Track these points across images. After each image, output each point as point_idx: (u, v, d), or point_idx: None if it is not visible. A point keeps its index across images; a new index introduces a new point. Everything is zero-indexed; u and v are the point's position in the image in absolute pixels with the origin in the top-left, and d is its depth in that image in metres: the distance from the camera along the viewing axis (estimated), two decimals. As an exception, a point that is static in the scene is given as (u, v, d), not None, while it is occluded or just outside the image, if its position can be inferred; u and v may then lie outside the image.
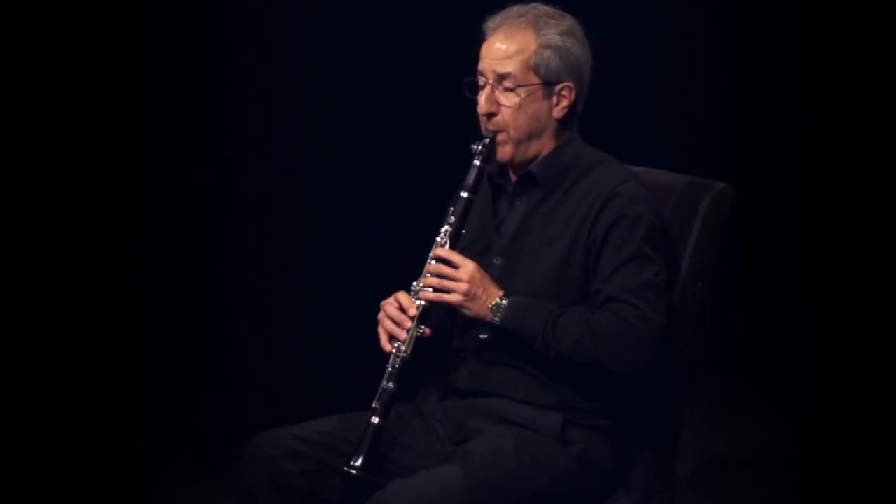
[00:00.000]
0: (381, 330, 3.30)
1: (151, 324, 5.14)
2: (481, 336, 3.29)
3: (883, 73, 5.43)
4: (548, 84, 3.30)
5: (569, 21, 3.33)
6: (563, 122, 3.33)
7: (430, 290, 3.25)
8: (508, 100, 3.30)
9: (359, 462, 3.20)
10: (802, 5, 5.53)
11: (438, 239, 3.29)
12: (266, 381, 5.25)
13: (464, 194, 3.30)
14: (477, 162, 3.31)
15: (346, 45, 5.32)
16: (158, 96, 5.11)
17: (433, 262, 3.27)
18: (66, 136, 5.00)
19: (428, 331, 3.26)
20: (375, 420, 3.22)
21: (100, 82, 5.02)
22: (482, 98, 3.32)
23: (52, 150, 4.98)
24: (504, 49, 3.29)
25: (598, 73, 3.35)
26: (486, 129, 3.33)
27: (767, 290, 5.77)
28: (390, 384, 3.24)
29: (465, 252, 3.29)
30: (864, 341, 5.50)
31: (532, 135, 3.32)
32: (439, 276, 3.24)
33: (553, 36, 3.29)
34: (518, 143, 3.32)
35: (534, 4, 3.35)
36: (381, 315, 3.30)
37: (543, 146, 3.34)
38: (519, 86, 3.29)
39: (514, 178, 3.39)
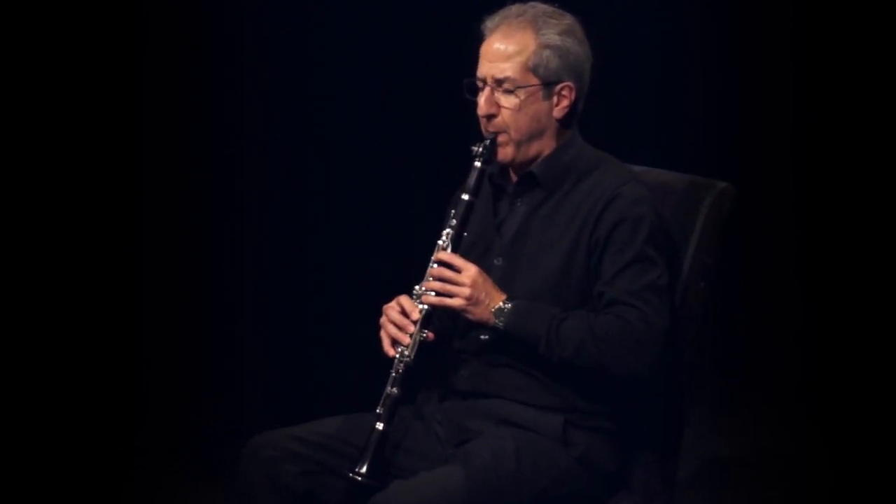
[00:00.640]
0: (383, 334, 3.29)
1: (151, 324, 5.13)
2: (482, 337, 3.28)
3: (883, 72, 5.43)
4: (547, 84, 3.29)
5: (568, 20, 3.31)
6: (564, 122, 3.32)
7: (433, 293, 3.24)
8: (508, 101, 3.29)
9: (364, 468, 3.19)
10: (802, 4, 5.52)
11: (440, 242, 3.28)
12: (265, 383, 5.25)
13: (465, 196, 3.29)
14: (477, 164, 3.29)
15: (346, 46, 5.32)
16: (158, 96, 5.10)
17: (435, 265, 3.26)
18: (66, 136, 5.00)
19: (431, 335, 3.26)
20: (380, 426, 3.22)
21: (99, 82, 5.02)
22: (482, 100, 3.31)
23: (52, 150, 4.98)
24: (503, 50, 3.28)
25: (598, 72, 3.34)
26: (487, 131, 3.32)
27: (768, 291, 5.76)
28: (394, 389, 3.23)
29: (466, 253, 3.28)
30: (865, 342, 5.50)
31: (533, 135, 3.31)
32: (441, 279, 3.23)
33: (552, 36, 3.28)
34: (519, 145, 3.31)
35: (532, 3, 3.34)
36: (383, 319, 3.29)
37: (544, 146, 3.33)
38: (518, 87, 3.28)
39: (514, 178, 3.38)
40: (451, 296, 3.22)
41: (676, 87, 5.53)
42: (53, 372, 4.96)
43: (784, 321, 5.77)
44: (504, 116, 3.30)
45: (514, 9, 3.32)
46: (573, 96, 3.30)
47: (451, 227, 3.28)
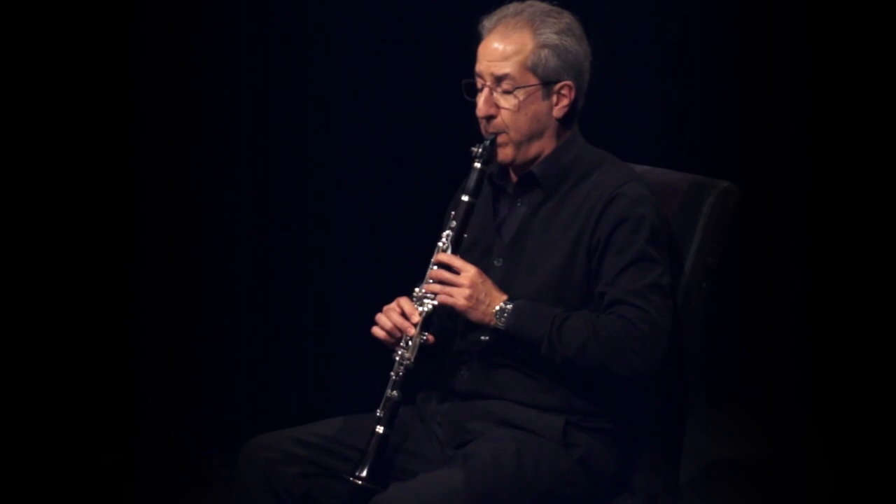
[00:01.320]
0: (377, 329, 3.27)
1: (149, 325, 5.12)
2: (482, 338, 3.27)
3: (885, 71, 5.42)
4: (547, 84, 3.27)
5: (566, 18, 3.30)
6: (564, 121, 3.31)
7: (433, 295, 3.22)
8: (507, 102, 3.27)
9: (364, 472, 3.19)
10: (803, 2, 5.52)
11: (440, 243, 3.27)
12: (263, 384, 5.24)
13: (465, 198, 3.27)
14: (477, 165, 3.28)
15: (345, 46, 5.31)
16: (158, 95, 5.09)
17: (435, 267, 3.25)
18: (65, 136, 4.98)
19: (431, 338, 3.25)
20: (380, 429, 3.21)
21: (98, 81, 5.01)
22: (480, 101, 3.29)
23: (52, 150, 4.97)
24: (501, 50, 3.27)
25: (598, 70, 3.33)
26: (486, 132, 3.30)
27: (770, 291, 5.75)
28: (394, 392, 3.22)
29: (466, 254, 3.28)
30: (866, 343, 5.49)
31: (533, 135, 3.30)
32: (441, 281, 3.22)
33: (550, 35, 3.26)
34: (519, 145, 3.30)
35: (530, 2, 3.32)
36: (380, 317, 3.27)
37: (544, 146, 3.32)
38: (517, 87, 3.26)
39: (514, 178, 3.36)
40: (451, 297, 3.20)
41: (678, 85, 5.52)
42: (51, 374, 4.95)
43: (785, 322, 5.76)
44: (503, 117, 3.29)
45: (512, 8, 3.31)
46: (573, 95, 3.29)
47: (451, 228, 3.27)
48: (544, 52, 3.25)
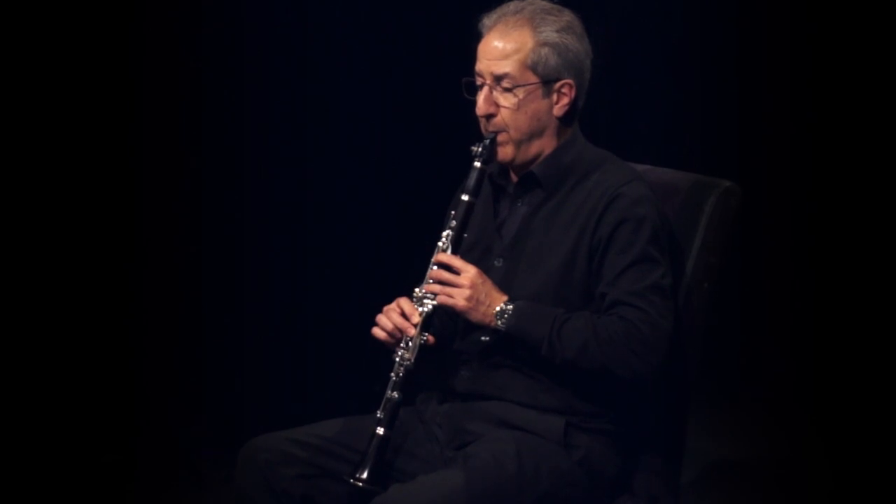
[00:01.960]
0: (377, 330, 3.26)
1: (147, 326, 5.12)
2: (483, 338, 3.26)
3: (887, 71, 5.42)
4: (547, 82, 3.26)
5: (567, 16, 3.28)
6: (564, 120, 3.30)
7: (433, 296, 3.21)
8: (507, 100, 3.26)
9: (364, 474, 3.18)
10: (806, 1, 5.52)
11: (440, 244, 3.26)
12: (262, 385, 5.24)
13: (465, 197, 3.26)
14: (477, 164, 3.27)
15: (344, 45, 5.31)
16: (158, 94, 5.10)
17: (435, 267, 3.23)
18: (65, 135, 4.99)
19: (431, 339, 3.24)
20: (380, 431, 3.20)
21: (98, 81, 5.01)
22: (480, 99, 3.28)
23: (50, 149, 4.97)
24: (501, 48, 3.25)
25: (599, 69, 3.31)
26: (486, 131, 3.29)
27: (771, 291, 5.75)
28: (395, 394, 3.21)
29: (466, 254, 3.26)
30: (868, 344, 5.49)
31: (533, 134, 3.29)
32: (441, 281, 3.21)
33: (550, 33, 3.25)
34: (519, 144, 3.29)
35: (530, 0, 3.31)
36: (380, 318, 3.26)
37: (545, 145, 3.30)
38: (517, 85, 3.25)
39: (515, 178, 3.35)
40: (451, 297, 3.19)
41: (680, 84, 5.52)
42: (49, 375, 4.95)
43: (787, 322, 5.76)
44: (503, 115, 3.27)
45: (512, 6, 3.30)
46: (573, 94, 3.27)
47: (451, 228, 3.26)
48: (544, 51, 3.24)
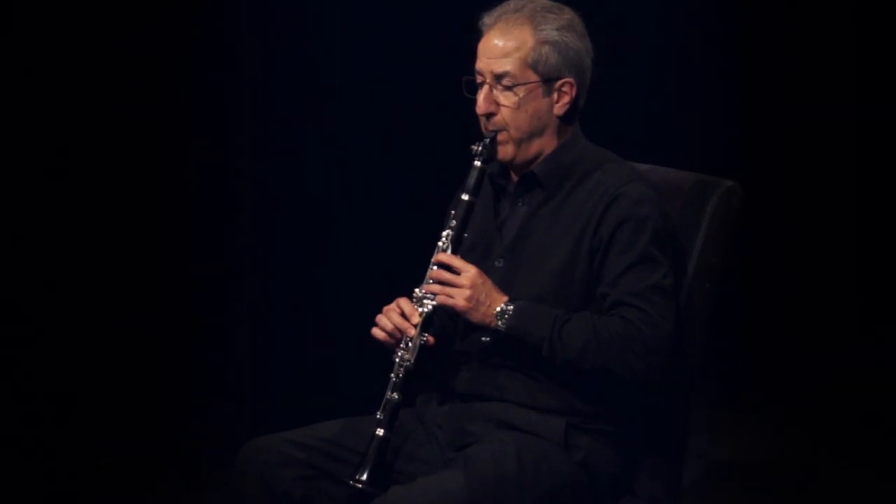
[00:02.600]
0: (376, 330, 3.25)
1: (145, 326, 5.12)
2: (483, 339, 3.24)
3: (888, 69, 5.43)
4: (547, 81, 3.25)
5: (568, 14, 3.27)
6: (565, 119, 3.28)
7: (433, 296, 3.20)
8: (507, 99, 3.25)
9: (364, 476, 3.16)
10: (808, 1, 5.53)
11: (440, 243, 3.25)
12: (261, 386, 5.24)
13: (465, 197, 3.25)
14: (477, 163, 3.26)
15: (344, 44, 5.30)
16: (156, 94, 5.10)
17: (435, 267, 3.22)
18: (65, 135, 5.00)
19: (431, 339, 3.23)
20: (380, 432, 3.19)
21: (98, 80, 5.02)
22: (480, 98, 3.27)
23: (50, 149, 4.98)
24: (501, 46, 3.24)
25: (601, 67, 3.30)
26: (486, 130, 3.28)
27: (773, 291, 5.75)
28: (394, 394, 3.20)
29: (467, 255, 3.25)
30: (870, 345, 5.50)
31: (533, 133, 3.27)
32: (441, 282, 3.20)
33: (551, 31, 3.24)
34: (519, 143, 3.27)
35: (531, -3, 3.29)
36: (380, 318, 3.25)
37: (545, 144, 3.29)
38: (517, 84, 3.24)
39: (515, 177, 3.34)
40: (451, 298, 3.17)
41: (681, 82, 5.52)
42: (48, 376, 4.95)
43: (789, 323, 5.76)
44: (503, 114, 3.26)
45: (513, 4, 3.28)
46: (574, 92, 3.26)
47: (451, 228, 3.25)
48: (545, 49, 3.23)
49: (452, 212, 3.26)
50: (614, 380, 3.13)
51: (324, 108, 5.32)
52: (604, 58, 3.31)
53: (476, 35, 3.29)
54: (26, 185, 4.95)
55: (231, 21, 5.19)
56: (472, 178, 3.25)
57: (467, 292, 3.16)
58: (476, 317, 3.17)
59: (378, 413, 3.20)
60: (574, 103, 3.27)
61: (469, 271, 3.18)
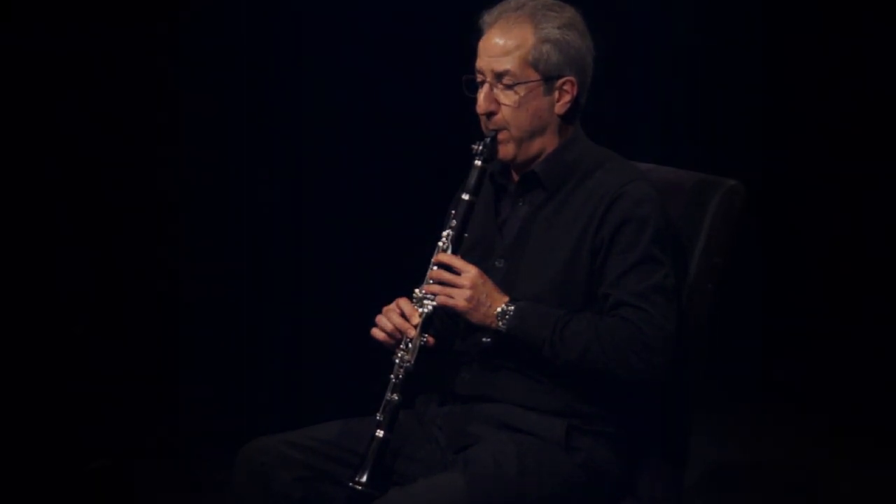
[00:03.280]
0: (376, 331, 3.24)
1: (143, 327, 5.12)
2: (484, 339, 3.23)
3: (889, 68, 5.43)
4: (548, 79, 3.23)
5: (568, 13, 3.26)
6: (566, 118, 3.27)
7: (433, 296, 3.18)
8: (508, 98, 3.24)
9: (364, 478, 3.15)
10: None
11: (440, 243, 3.24)
12: (260, 387, 5.24)
13: (465, 196, 3.24)
14: (478, 162, 3.25)
15: (344, 43, 5.30)
16: (157, 93, 5.10)
17: (435, 267, 3.21)
18: (66, 134, 4.98)
19: (431, 340, 3.21)
20: (380, 433, 3.18)
21: (98, 80, 5.01)
22: (481, 97, 3.26)
23: (49, 148, 4.96)
24: (501, 45, 3.23)
25: (602, 66, 3.28)
26: (487, 129, 3.27)
27: (776, 291, 5.75)
28: (394, 395, 3.19)
29: (467, 255, 3.24)
30: (872, 346, 5.50)
31: (534, 132, 3.26)
32: (441, 282, 3.19)
33: (552, 29, 3.22)
34: (520, 142, 3.26)
35: (531, -5, 3.28)
36: (380, 319, 3.24)
37: (546, 143, 3.28)
38: (518, 83, 3.22)
39: (516, 177, 3.33)
40: (451, 298, 3.16)
41: (683, 81, 5.52)
42: (47, 377, 4.95)
43: (791, 324, 5.76)
44: (504, 113, 3.25)
45: (513, 2, 3.27)
46: (575, 91, 3.25)
47: (451, 227, 3.24)
48: (546, 47, 3.22)
49: (453, 211, 3.25)
50: (615, 381, 3.12)
51: (323, 107, 5.32)
52: (605, 56, 3.29)
53: (476, 33, 3.28)
54: (25, 185, 4.94)
55: (230, 19, 5.18)
56: (472, 178, 3.24)
57: (468, 293, 3.15)
58: (476, 317, 3.16)
59: (378, 414, 3.18)
60: (575, 102, 3.25)
61: (469, 271, 3.17)
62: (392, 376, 3.19)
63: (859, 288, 5.65)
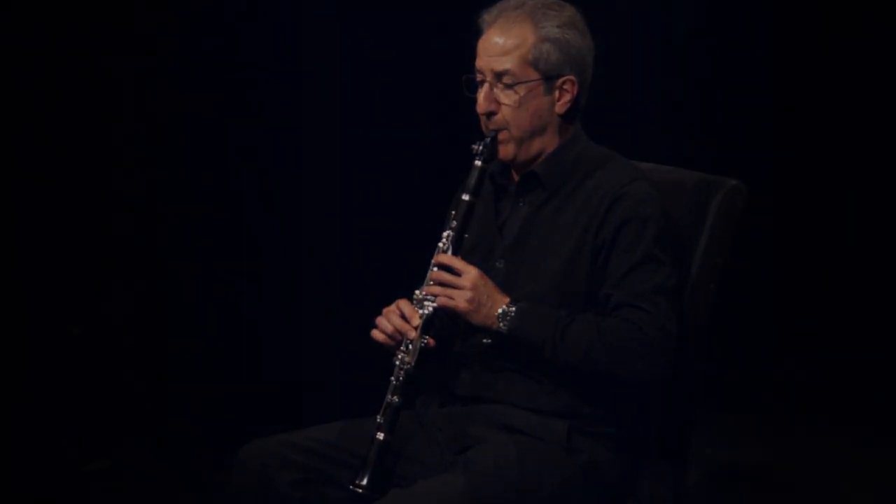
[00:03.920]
0: (376, 332, 3.23)
1: (143, 329, 5.13)
2: (484, 340, 3.22)
3: (890, 67, 5.43)
4: (548, 79, 3.22)
5: (568, 11, 3.25)
6: (566, 117, 3.26)
7: (433, 298, 3.18)
8: (508, 97, 3.23)
9: (365, 481, 3.15)
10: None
11: (440, 244, 3.23)
12: (259, 388, 5.23)
13: (465, 197, 3.23)
14: (478, 163, 3.24)
15: (344, 43, 5.29)
16: (157, 93, 5.09)
17: (435, 268, 3.20)
18: (66, 134, 4.99)
19: (432, 341, 3.21)
20: (381, 435, 3.17)
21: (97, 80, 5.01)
22: (481, 97, 3.25)
23: (49, 148, 4.97)
24: (501, 44, 3.22)
25: (603, 65, 3.27)
26: (487, 129, 3.26)
27: (777, 292, 5.74)
28: (395, 397, 3.18)
29: (467, 256, 3.23)
30: (874, 346, 5.50)
31: (534, 132, 3.25)
32: (441, 283, 3.18)
33: (552, 28, 3.21)
34: (520, 142, 3.25)
35: (531, -6, 3.27)
36: (380, 320, 3.23)
37: (547, 143, 3.27)
38: (518, 82, 3.22)
39: (516, 177, 3.32)
40: (451, 299, 3.15)
41: (685, 80, 5.51)
42: (46, 377, 4.95)
43: (793, 325, 5.75)
44: (504, 113, 3.24)
45: (513, 1, 3.26)
46: (575, 90, 3.24)
47: (451, 228, 3.23)
48: (546, 47, 3.21)
49: (453, 212, 3.24)
50: (617, 382, 3.11)
51: (323, 107, 5.31)
52: (605, 55, 3.28)
53: (476, 33, 3.27)
54: (25, 185, 4.94)
55: (230, 19, 5.18)
56: (472, 178, 3.23)
57: (468, 294, 3.14)
58: (477, 318, 3.15)
59: (378, 416, 3.18)
60: (575, 101, 3.24)
61: (470, 272, 3.15)
62: (392, 378, 3.19)
63: (861, 288, 5.65)
